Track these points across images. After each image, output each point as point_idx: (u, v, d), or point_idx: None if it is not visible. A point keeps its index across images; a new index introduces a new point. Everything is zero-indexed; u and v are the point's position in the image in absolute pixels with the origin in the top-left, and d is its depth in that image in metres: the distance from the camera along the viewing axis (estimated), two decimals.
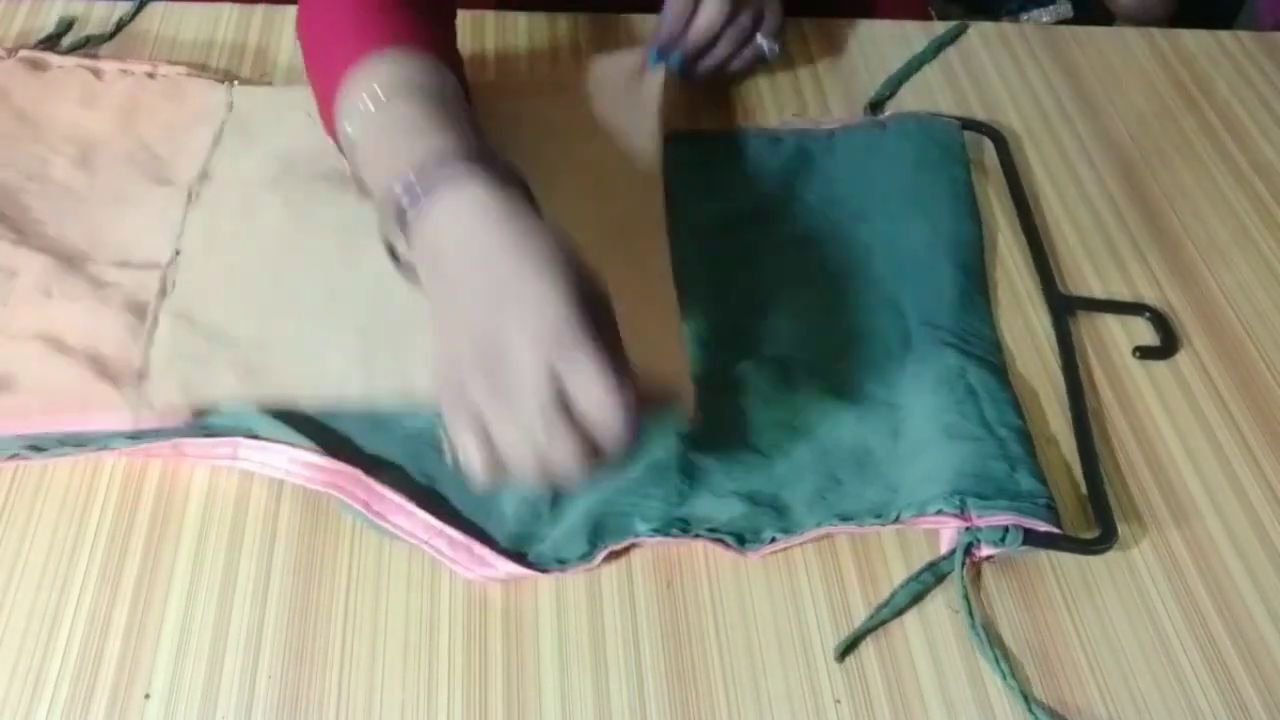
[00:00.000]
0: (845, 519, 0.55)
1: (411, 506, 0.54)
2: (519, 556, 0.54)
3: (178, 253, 0.65)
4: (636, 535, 0.55)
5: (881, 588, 0.55)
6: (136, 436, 0.56)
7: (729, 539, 0.55)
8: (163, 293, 0.62)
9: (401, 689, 0.50)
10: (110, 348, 0.59)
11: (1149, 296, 0.70)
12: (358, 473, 0.55)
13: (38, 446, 0.56)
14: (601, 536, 0.55)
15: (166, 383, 0.57)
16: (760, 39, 0.78)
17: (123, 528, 0.55)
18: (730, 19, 0.75)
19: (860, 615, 0.54)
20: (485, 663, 0.51)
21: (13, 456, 0.56)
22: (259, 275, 0.64)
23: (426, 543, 0.54)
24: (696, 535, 0.55)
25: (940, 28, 0.88)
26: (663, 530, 0.55)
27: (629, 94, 0.75)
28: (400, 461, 0.57)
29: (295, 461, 0.56)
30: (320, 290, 0.63)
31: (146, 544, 0.54)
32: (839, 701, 0.51)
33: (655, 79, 0.75)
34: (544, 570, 0.54)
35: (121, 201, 0.69)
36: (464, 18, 0.85)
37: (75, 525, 0.55)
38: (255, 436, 0.56)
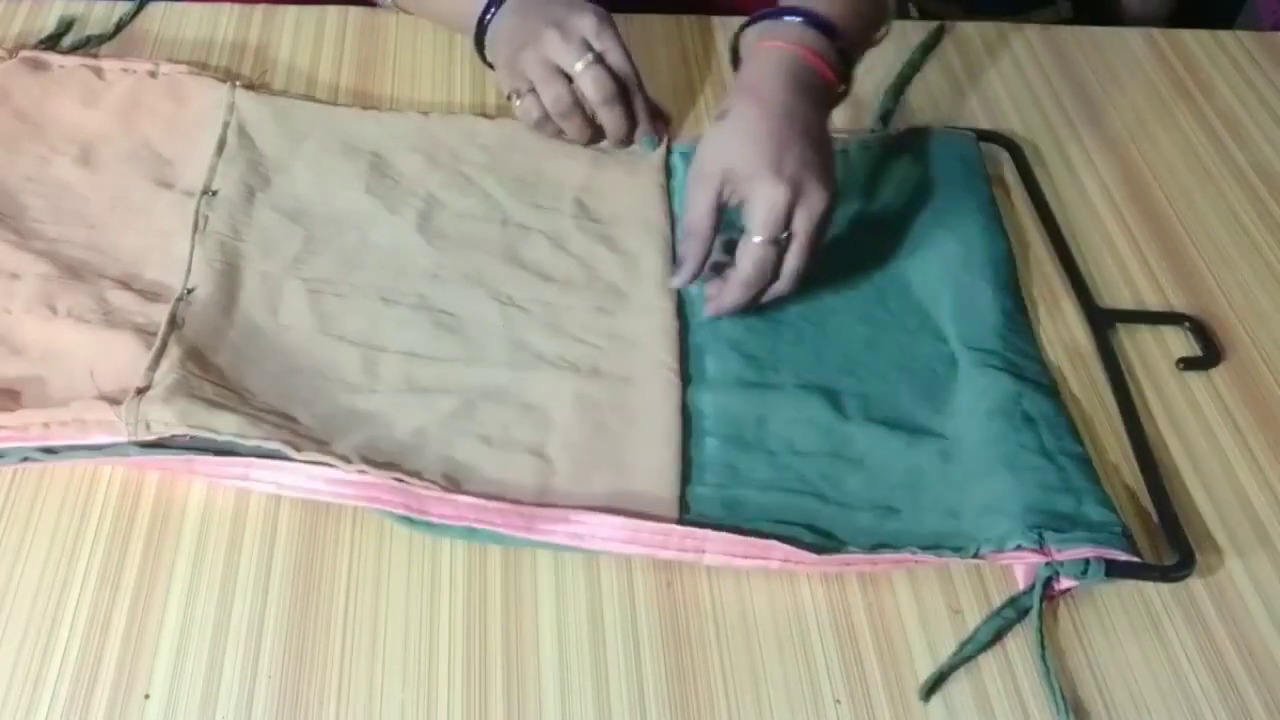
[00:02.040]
0: (925, 548, 0.54)
1: (453, 495, 0.53)
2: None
3: (190, 290, 0.63)
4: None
5: (881, 588, 0.55)
6: (150, 446, 0.56)
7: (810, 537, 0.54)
8: (173, 325, 0.60)
9: (401, 689, 0.50)
10: (115, 372, 0.58)
11: (1161, 304, 0.69)
12: (388, 480, 0.54)
13: (50, 449, 0.56)
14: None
15: (166, 410, 0.55)
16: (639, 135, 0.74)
17: (123, 528, 0.55)
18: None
19: (861, 616, 0.54)
20: (485, 663, 0.51)
21: (24, 460, 0.56)
22: (277, 355, 0.61)
23: (476, 521, 0.53)
24: (769, 536, 0.53)
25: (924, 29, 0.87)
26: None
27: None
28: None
29: (315, 479, 0.55)
30: (339, 388, 0.60)
31: (146, 544, 0.54)
32: (839, 701, 0.51)
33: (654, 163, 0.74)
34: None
35: (123, 204, 0.68)
36: None
37: (75, 526, 0.55)
38: (270, 455, 0.54)
